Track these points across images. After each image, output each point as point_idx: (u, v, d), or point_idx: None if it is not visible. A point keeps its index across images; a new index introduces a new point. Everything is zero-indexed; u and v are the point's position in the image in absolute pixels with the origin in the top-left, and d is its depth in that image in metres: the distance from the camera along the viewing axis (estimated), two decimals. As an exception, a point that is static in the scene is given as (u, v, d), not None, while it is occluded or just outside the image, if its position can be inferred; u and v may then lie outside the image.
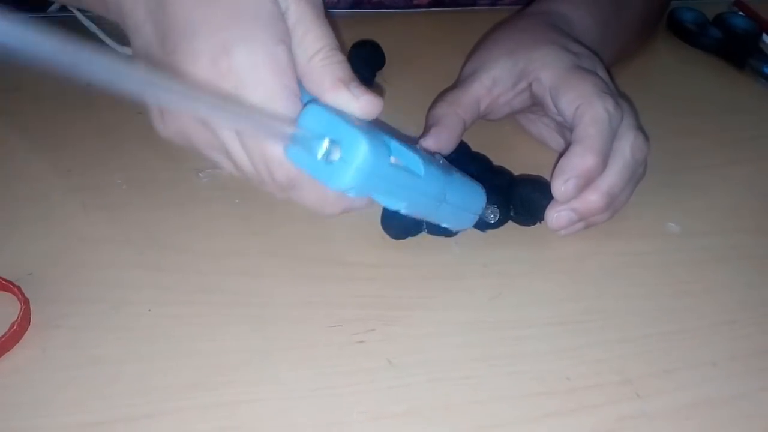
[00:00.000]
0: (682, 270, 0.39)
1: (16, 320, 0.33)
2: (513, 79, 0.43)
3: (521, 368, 0.34)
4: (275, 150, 0.31)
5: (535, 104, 0.44)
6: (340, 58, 0.33)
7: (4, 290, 0.35)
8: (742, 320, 0.37)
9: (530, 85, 0.42)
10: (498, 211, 0.39)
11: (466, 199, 0.37)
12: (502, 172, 0.43)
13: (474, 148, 0.44)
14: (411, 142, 0.36)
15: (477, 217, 0.38)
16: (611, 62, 0.49)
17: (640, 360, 0.34)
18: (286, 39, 0.32)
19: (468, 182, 0.38)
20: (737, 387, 0.33)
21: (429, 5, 0.64)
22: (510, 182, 0.42)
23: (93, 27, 0.51)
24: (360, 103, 0.32)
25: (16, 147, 0.46)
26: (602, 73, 0.42)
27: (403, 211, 0.34)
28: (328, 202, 0.34)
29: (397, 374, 0.33)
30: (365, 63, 0.52)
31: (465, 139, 0.43)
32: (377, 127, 0.33)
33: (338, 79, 0.32)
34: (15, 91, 0.50)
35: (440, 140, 0.41)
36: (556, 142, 0.46)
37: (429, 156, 0.35)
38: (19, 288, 0.35)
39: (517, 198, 0.40)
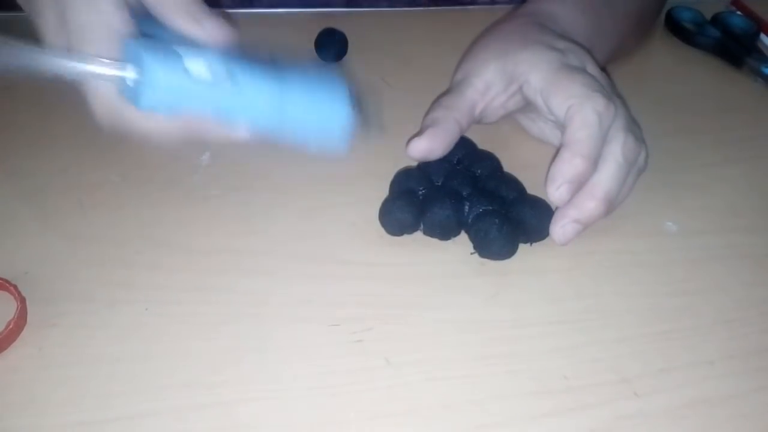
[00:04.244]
0: (680, 269, 0.39)
1: (13, 319, 0.33)
2: (504, 82, 0.43)
3: (519, 367, 0.34)
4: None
5: (530, 104, 0.44)
6: None
7: (0, 289, 0.35)
8: (739, 319, 0.37)
9: (521, 87, 0.42)
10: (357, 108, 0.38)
11: (316, 107, 0.37)
12: (512, 182, 0.42)
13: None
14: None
15: (346, 132, 0.37)
16: (607, 59, 0.49)
17: (637, 359, 0.34)
18: None
19: (318, 90, 0.37)
20: (735, 386, 0.33)
21: (429, 3, 0.64)
22: (514, 200, 0.41)
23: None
24: (205, 30, 0.35)
25: (12, 145, 0.45)
26: (591, 68, 0.42)
27: (243, 131, 0.35)
28: (153, 126, 0.35)
29: (394, 373, 0.33)
30: (327, 49, 0.55)
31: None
32: (205, 49, 0.35)
33: (183, 8, 0.35)
34: (11, 89, 0.50)
35: (435, 140, 0.41)
36: (560, 139, 0.46)
37: (262, 67, 0.36)
38: (15, 287, 0.35)
39: (514, 218, 0.39)
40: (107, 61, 0.33)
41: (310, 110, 0.37)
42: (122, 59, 0.33)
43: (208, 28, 0.35)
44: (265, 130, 0.36)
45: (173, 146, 0.36)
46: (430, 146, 0.41)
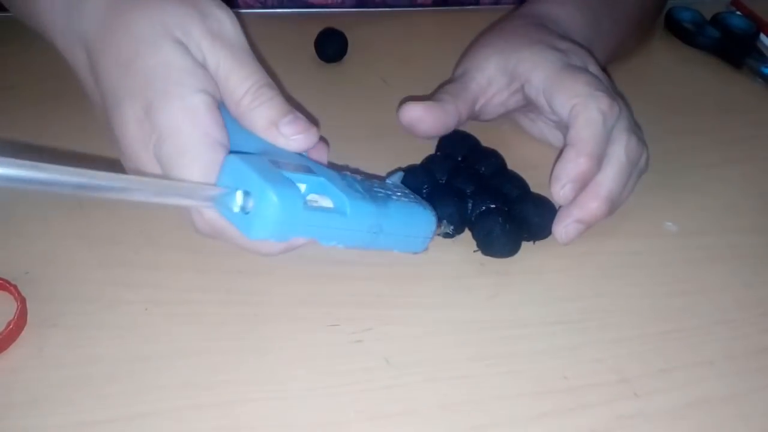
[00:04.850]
0: (680, 269, 0.39)
1: (13, 319, 0.33)
2: (506, 80, 0.43)
3: (518, 368, 0.34)
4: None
5: (530, 104, 0.44)
6: (269, 95, 0.34)
7: (0, 289, 0.35)
8: (739, 319, 0.37)
9: (522, 86, 0.42)
10: (451, 227, 0.39)
11: (409, 225, 0.36)
12: (515, 180, 0.42)
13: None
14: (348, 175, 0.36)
15: (429, 239, 0.37)
16: (606, 60, 0.49)
17: (637, 359, 0.34)
18: (205, 87, 0.33)
19: (411, 208, 0.36)
20: (734, 386, 0.33)
21: (432, 4, 0.64)
22: (517, 198, 0.41)
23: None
24: (291, 142, 0.34)
25: (11, 145, 0.45)
26: (593, 69, 0.42)
27: (340, 247, 0.34)
28: (260, 246, 0.34)
29: (394, 373, 0.33)
30: (327, 49, 0.55)
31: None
32: (305, 166, 0.33)
33: (267, 120, 0.34)
34: (11, 89, 0.50)
35: (429, 113, 0.41)
36: (559, 139, 0.46)
37: (361, 188, 0.34)
38: (15, 287, 0.35)
39: (517, 217, 0.40)
40: (210, 189, 0.31)
41: (403, 229, 0.36)
42: (228, 185, 0.31)
43: (288, 135, 0.34)
44: (359, 245, 0.35)
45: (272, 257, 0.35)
46: (421, 115, 0.41)
